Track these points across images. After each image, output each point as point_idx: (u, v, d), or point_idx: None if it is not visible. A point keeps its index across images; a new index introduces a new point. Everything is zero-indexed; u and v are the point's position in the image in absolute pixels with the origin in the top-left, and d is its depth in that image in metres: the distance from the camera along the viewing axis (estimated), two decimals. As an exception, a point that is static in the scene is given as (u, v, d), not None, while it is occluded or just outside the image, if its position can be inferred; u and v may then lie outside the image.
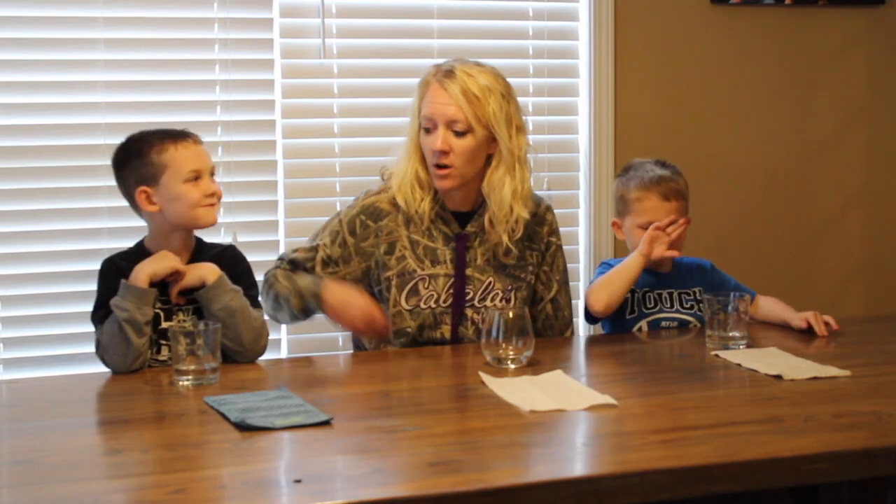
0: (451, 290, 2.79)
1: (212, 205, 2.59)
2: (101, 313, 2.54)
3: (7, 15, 3.12)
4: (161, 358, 2.55)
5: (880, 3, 3.86)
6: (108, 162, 2.65)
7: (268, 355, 2.65)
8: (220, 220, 2.88)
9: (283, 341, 3.35)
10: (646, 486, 1.86)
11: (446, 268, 2.79)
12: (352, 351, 2.98)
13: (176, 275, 2.54)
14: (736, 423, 2.11)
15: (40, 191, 3.17)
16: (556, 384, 2.35)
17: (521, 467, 1.94)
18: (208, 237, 2.72)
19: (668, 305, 2.95)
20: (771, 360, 2.53)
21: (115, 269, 2.56)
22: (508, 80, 2.79)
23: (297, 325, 2.91)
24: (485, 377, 2.39)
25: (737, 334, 2.66)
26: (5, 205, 3.15)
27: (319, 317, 2.83)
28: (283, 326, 3.25)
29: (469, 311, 2.80)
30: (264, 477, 1.87)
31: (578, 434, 2.12)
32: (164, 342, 2.54)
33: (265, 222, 3.37)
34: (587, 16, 3.58)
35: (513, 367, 2.48)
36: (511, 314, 2.49)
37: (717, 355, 2.61)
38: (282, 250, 3.35)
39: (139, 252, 2.60)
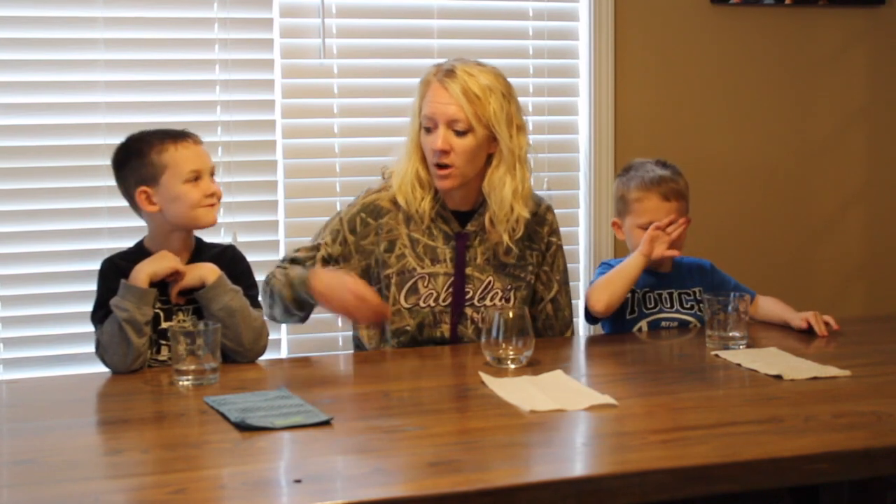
0: (450, 289, 2.79)
1: (212, 205, 2.59)
2: (100, 313, 2.54)
3: (7, 15, 3.12)
4: (161, 358, 2.55)
5: (880, 3, 3.86)
6: (108, 162, 2.65)
7: (268, 355, 2.65)
8: (220, 220, 2.88)
9: (283, 341, 3.35)
10: (646, 486, 1.86)
11: (446, 266, 2.79)
12: (352, 351, 2.98)
13: (176, 275, 2.54)
14: (736, 423, 2.11)
15: (40, 191, 3.17)
16: (556, 384, 2.35)
17: (521, 467, 1.94)
18: (208, 237, 2.72)
19: (668, 305, 2.95)
20: (771, 360, 2.53)
21: (115, 269, 2.56)
22: (508, 80, 2.79)
23: (296, 325, 2.90)
24: (485, 377, 2.39)
25: (737, 334, 2.66)
26: (5, 205, 3.15)
27: (319, 317, 2.84)
28: (284, 326, 3.25)
29: (469, 310, 2.80)
30: (264, 477, 1.87)
31: (578, 434, 2.12)
32: (163, 342, 2.54)
33: (265, 222, 3.37)
34: (587, 16, 3.58)
35: (513, 367, 2.48)
36: (511, 314, 2.49)
37: (717, 355, 2.61)
38: (282, 250, 3.35)
39: (139, 252, 2.60)
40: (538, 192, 2.99)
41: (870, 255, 3.97)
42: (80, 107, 3.19)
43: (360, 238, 2.80)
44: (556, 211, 2.95)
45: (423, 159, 2.78)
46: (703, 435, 2.05)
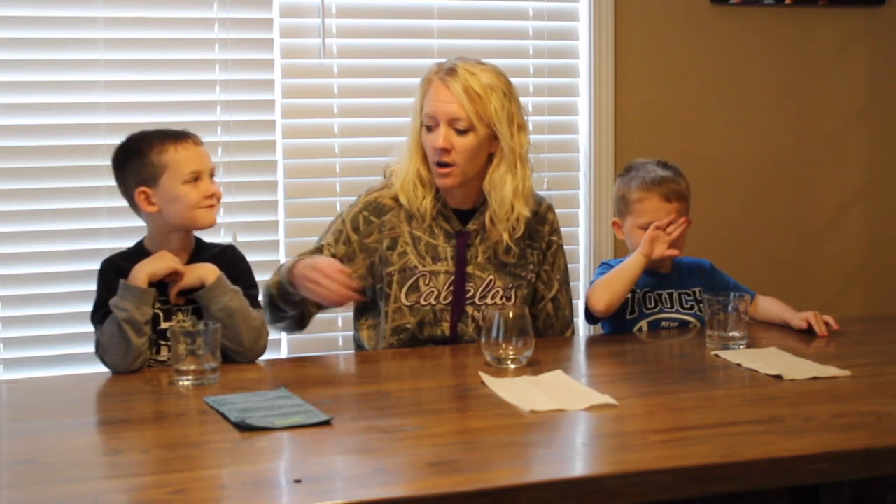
0: (451, 288, 2.79)
1: (211, 206, 2.59)
2: (100, 313, 2.54)
3: (7, 15, 3.12)
4: (161, 358, 2.55)
5: (880, 3, 3.86)
6: (108, 162, 2.65)
7: (268, 355, 2.65)
8: (220, 220, 2.88)
9: (283, 341, 3.35)
10: (646, 486, 1.86)
11: (447, 265, 2.79)
12: (352, 351, 2.98)
13: (175, 275, 2.54)
14: (736, 423, 2.11)
15: (40, 191, 3.17)
16: (556, 384, 2.35)
17: (522, 467, 1.94)
18: (208, 237, 2.72)
19: (669, 306, 2.95)
20: (771, 360, 2.53)
21: (115, 270, 2.56)
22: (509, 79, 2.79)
23: (286, 328, 2.88)
24: (485, 377, 2.38)
25: (737, 334, 2.66)
26: (5, 205, 3.15)
27: (320, 317, 2.84)
28: (283, 326, 3.25)
29: (469, 309, 2.80)
30: (264, 477, 1.87)
31: (578, 434, 2.12)
32: (163, 342, 2.54)
33: (265, 222, 3.37)
34: (587, 16, 3.58)
35: (513, 367, 2.48)
36: (511, 314, 2.49)
37: (717, 355, 2.61)
38: (282, 250, 3.36)
39: (139, 252, 2.60)
40: (539, 192, 2.99)
41: (870, 255, 3.97)
42: (80, 107, 3.19)
43: (363, 236, 2.81)
44: (556, 211, 2.95)
45: (425, 158, 2.78)
46: (703, 435, 2.05)
